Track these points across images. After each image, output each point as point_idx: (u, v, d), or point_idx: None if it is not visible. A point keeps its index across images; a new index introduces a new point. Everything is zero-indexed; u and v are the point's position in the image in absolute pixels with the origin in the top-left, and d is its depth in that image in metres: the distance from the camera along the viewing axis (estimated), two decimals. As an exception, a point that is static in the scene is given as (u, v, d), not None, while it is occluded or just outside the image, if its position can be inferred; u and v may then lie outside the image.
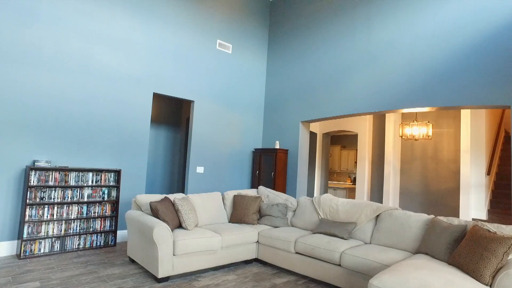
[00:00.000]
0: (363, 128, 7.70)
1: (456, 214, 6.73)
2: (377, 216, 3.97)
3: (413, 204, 7.37)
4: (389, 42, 5.33)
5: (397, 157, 7.55)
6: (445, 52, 4.72)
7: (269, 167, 6.54)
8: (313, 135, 8.61)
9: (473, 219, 6.28)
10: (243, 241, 4.26)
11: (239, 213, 4.80)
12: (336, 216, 4.26)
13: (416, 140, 5.97)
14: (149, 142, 7.15)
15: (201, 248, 3.80)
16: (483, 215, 6.26)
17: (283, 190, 6.52)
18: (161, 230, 3.51)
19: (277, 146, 6.61)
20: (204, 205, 4.69)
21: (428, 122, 5.93)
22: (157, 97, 7.37)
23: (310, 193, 8.50)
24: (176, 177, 7.51)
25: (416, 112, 6.83)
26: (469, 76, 4.47)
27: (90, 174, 4.77)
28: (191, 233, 3.84)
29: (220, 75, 6.63)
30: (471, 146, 6.26)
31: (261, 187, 5.42)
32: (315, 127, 8.52)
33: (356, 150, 10.04)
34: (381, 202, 7.34)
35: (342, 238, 3.88)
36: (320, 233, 4.11)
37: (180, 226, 4.08)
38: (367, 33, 5.63)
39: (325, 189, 8.58)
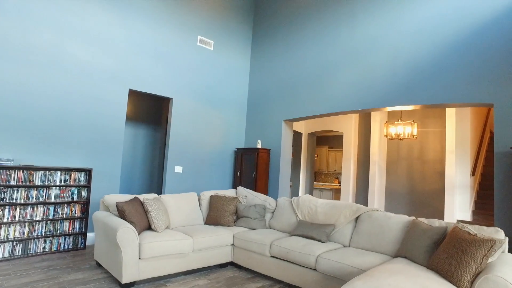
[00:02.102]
0: (349, 127, 7.56)
1: (441, 215, 6.62)
2: (357, 217, 3.80)
3: (398, 205, 7.24)
4: (373, 39, 5.19)
5: (383, 158, 7.42)
6: (429, 49, 4.59)
7: (251, 167, 6.35)
8: (298, 135, 8.44)
9: (458, 220, 6.17)
10: (217, 243, 4.05)
11: (215, 215, 4.59)
12: (314, 218, 4.08)
13: (401, 139, 5.84)
14: (127, 141, 6.89)
15: (170, 251, 3.58)
16: (468, 216, 6.15)
17: (265, 191, 6.33)
18: (125, 232, 3.28)
19: (259, 146, 6.41)
20: (178, 206, 4.47)
21: (413, 121, 5.80)
22: (136, 95, 7.12)
23: (294, 195, 8.33)
24: (155, 177, 7.27)
25: (401, 111, 6.70)
26: (453, 74, 4.34)
27: (58, 173, 4.51)
28: (160, 235, 3.62)
29: (201, 72, 6.42)
30: (456, 146, 6.15)
31: (239, 188, 5.22)
32: (300, 127, 8.35)
33: (343, 150, 9.90)
34: (366, 203, 7.20)
35: (319, 241, 3.69)
36: (298, 235, 3.93)
37: (149, 228, 3.85)
38: (351, 30, 5.48)
39: (310, 190, 8.41)
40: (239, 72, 7.10)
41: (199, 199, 4.88)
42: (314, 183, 11.86)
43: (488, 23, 4.10)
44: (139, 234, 3.58)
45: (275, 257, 3.71)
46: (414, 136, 5.81)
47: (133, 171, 7.01)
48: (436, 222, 3.17)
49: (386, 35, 5.04)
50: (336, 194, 9.77)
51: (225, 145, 6.82)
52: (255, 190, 6.16)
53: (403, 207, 7.15)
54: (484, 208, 6.24)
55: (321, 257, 3.25)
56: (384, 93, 4.96)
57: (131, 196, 4.11)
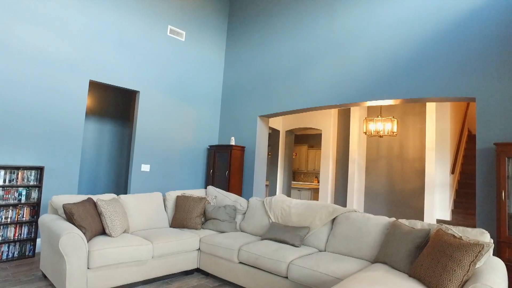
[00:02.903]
0: (327, 124, 7.30)
1: (421, 215, 6.45)
2: (334, 219, 3.49)
3: (378, 205, 7.04)
4: (352, 31, 4.92)
5: (362, 156, 7.20)
6: (409, 41, 4.35)
7: (224, 165, 5.98)
8: (275, 133, 8.13)
9: (438, 220, 6.01)
10: (181, 249, 3.67)
11: (181, 217, 4.21)
12: (288, 220, 3.75)
13: (380, 137, 5.61)
14: (91, 137, 6.39)
15: (125, 259, 3.18)
16: (447, 216, 6.00)
17: (239, 191, 5.98)
18: (70, 238, 2.86)
19: (232, 143, 6.06)
20: (140, 207, 4.06)
21: (393, 117, 5.58)
22: (102, 88, 6.63)
23: (272, 195, 8.01)
24: (123, 176, 6.79)
25: (380, 107, 6.50)
26: (433, 67, 4.11)
27: (2, 172, 4.01)
28: (115, 241, 3.21)
29: (171, 64, 6.00)
30: (436, 143, 5.99)
31: (209, 187, 4.85)
32: (277, 124, 8.05)
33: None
34: (345, 203, 6.96)
35: (293, 245, 3.37)
36: (269, 239, 3.59)
37: (104, 232, 3.43)
38: (330, 21, 5.20)
39: (288, 190, 8.12)
40: (213, 65, 6.72)
41: (164, 200, 4.49)
42: (293, 182, 11.60)
43: (469, 14, 3.90)
44: (89, 240, 3.15)
45: (243, 264, 3.37)
46: (394, 133, 5.60)
47: (98, 170, 6.51)
48: (418, 224, 2.91)
49: (365, 27, 4.78)
50: (315, 193, 9.52)
51: (197, 142, 6.43)
52: (228, 190, 5.80)
53: (382, 207, 6.96)
54: (463, 207, 6.11)
55: (293, 263, 2.93)
56: (363, 87, 4.70)
57: (84, 197, 3.67)
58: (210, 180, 6.25)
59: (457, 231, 2.66)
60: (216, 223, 4.15)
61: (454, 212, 6.13)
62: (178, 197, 4.41)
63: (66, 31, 4.72)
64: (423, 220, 6.32)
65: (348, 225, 3.27)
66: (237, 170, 5.97)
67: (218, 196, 4.62)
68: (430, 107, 6.00)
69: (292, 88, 5.53)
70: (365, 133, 5.75)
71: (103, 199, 3.64)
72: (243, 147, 6.07)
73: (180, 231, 3.93)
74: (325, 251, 3.36)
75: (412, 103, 6.76)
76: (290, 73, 5.60)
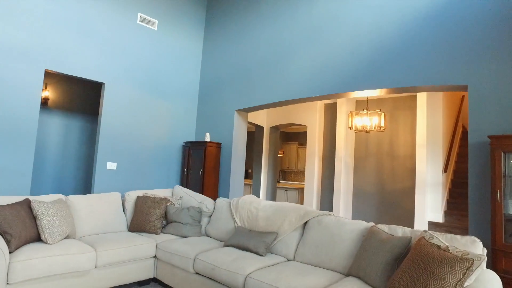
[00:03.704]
0: (313, 120, 6.86)
1: (412, 217, 6.02)
2: (306, 223, 3.04)
3: (367, 206, 6.61)
4: (333, 15, 4.48)
5: (350, 153, 6.76)
6: (395, 25, 3.91)
7: (198, 163, 5.52)
8: (259, 129, 7.68)
9: (429, 222, 5.58)
10: (133, 256, 3.22)
11: (140, 219, 3.76)
12: (254, 224, 3.30)
13: (367, 132, 5.17)
14: (56, 133, 5.92)
15: (59, 270, 2.72)
16: (440, 217, 5.57)
17: (214, 192, 5.52)
18: (-17, 248, 2.40)
19: (207, 139, 5.60)
20: (92, 209, 3.60)
21: (380, 111, 5.14)
22: (68, 80, 6.15)
23: (255, 195, 7.56)
24: (91, 175, 6.32)
25: (367, 100, 6.05)
26: (422, 53, 3.67)
27: None
28: (49, 248, 2.75)
29: (141, 55, 5.53)
30: (427, 140, 5.56)
31: (176, 187, 4.40)
32: (261, 120, 7.60)
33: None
34: (332, 204, 6.51)
35: (256, 253, 2.92)
36: (232, 246, 3.14)
37: (40, 239, 2.97)
38: (310, 5, 4.75)
39: (273, 190, 7.67)
40: (190, 57, 6.25)
41: (123, 201, 4.03)
42: (282, 182, 11.15)
43: (463, -9, 3.46)
44: (16, 248, 2.69)
45: (200, 274, 2.92)
46: (382, 128, 5.16)
47: (65, 169, 6.04)
48: (399, 231, 2.46)
49: (348, 9, 4.34)
50: (303, 193, 9.06)
51: (172, 138, 5.96)
52: (202, 190, 5.34)
53: (371, 208, 6.52)
54: (457, 208, 5.68)
55: (251, 277, 2.47)
56: (346, 76, 4.26)
57: (20, 198, 3.20)
58: (185, 179, 5.79)
59: (444, 239, 2.21)
60: (178, 226, 3.69)
61: (447, 213, 5.69)
62: (138, 198, 3.96)
63: (15, 14, 4.25)
64: (413, 222, 5.90)
65: (320, 230, 2.82)
66: (213, 168, 5.52)
67: (184, 196, 4.17)
68: (421, 100, 5.57)
69: (270, 80, 5.08)
70: (350, 128, 5.31)
71: (43, 200, 3.18)
72: (219, 144, 5.62)
73: (136, 236, 3.48)
74: (293, 260, 2.91)
75: (401, 95, 6.33)
76: (268, 64, 5.15)
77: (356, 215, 6.73)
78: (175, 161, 5.99)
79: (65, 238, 3.14)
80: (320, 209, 6.89)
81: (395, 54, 3.87)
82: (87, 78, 4.91)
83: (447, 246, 1.96)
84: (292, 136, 11.63)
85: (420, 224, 5.44)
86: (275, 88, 5.00)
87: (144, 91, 5.56)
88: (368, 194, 6.62)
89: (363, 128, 5.17)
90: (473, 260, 1.71)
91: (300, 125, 7.23)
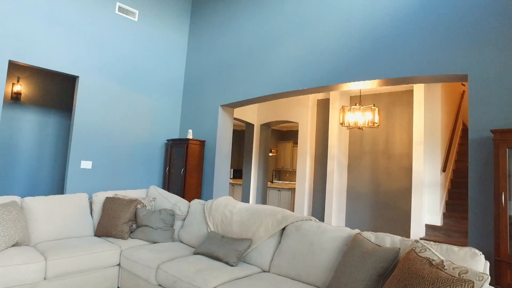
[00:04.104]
0: (305, 116, 6.50)
1: (409, 219, 5.66)
2: (284, 229, 2.69)
3: (361, 207, 6.25)
4: (322, 2, 4.12)
5: (344, 152, 6.41)
6: (388, 10, 3.56)
7: (180, 162, 5.17)
8: (249, 127, 7.33)
9: (427, 225, 5.22)
10: (92, 265, 2.88)
11: (107, 223, 3.41)
12: (228, 229, 2.95)
13: (360, 128, 4.81)
14: (29, 131, 5.57)
15: (-2, 285, 2.37)
16: (438, 220, 5.21)
17: (197, 192, 5.17)
18: None
19: (190, 136, 5.25)
20: (52, 212, 3.26)
21: (374, 105, 4.78)
22: (43, 74, 5.81)
23: (245, 196, 7.22)
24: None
25: (360, 95, 5.69)
26: (418, 40, 3.32)
27: None
28: (-12, 260, 2.40)
29: (120, 47, 5.17)
30: (425, 137, 5.20)
31: (151, 187, 4.06)
32: (251, 117, 7.24)
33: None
34: (324, 205, 6.14)
35: (227, 263, 2.57)
36: (202, 254, 2.79)
37: (-17, 247, 2.62)
38: (298, -9, 4.40)
39: (263, 190, 7.32)
40: (174, 50, 5.90)
41: (91, 203, 3.68)
42: (278, 182, 10.80)
43: (462, -29, 3.10)
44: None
45: (162, 287, 2.57)
46: (376, 124, 4.80)
47: (40, 168, 5.70)
48: (387, 240, 2.11)
49: (338, -6, 3.99)
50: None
51: (154, 136, 5.61)
52: (183, 191, 4.99)
53: (366, 210, 6.17)
54: (456, 210, 5.32)
55: (214, 294, 2.13)
56: (337, 67, 3.91)
57: (-36, 201, 2.86)
58: (167, 179, 5.44)
59: (439, 251, 1.86)
60: (147, 231, 3.35)
61: (446, 215, 5.34)
62: (106, 199, 3.61)
63: (-25, -1, 3.91)
64: (410, 225, 5.54)
65: (298, 238, 2.47)
66: (195, 167, 5.17)
67: (157, 198, 3.82)
68: (418, 94, 5.21)
69: (256, 73, 4.73)
70: (342, 124, 4.95)
71: (-10, 203, 2.83)
72: (203, 142, 5.26)
73: (100, 242, 3.14)
74: (269, 271, 2.56)
75: (398, 90, 5.97)
76: (254, 56, 4.80)
77: (349, 217, 6.38)
78: (157, 160, 5.65)
79: (12, 246, 2.79)
80: (312, 211, 6.54)
81: (389, 42, 3.52)
82: (59, 70, 4.56)
83: (442, 261, 1.61)
84: (287, 135, 11.28)
85: (417, 227, 5.09)
86: (261, 82, 4.65)
87: (124, 85, 5.21)
88: (362, 195, 6.27)
89: (356, 125, 4.81)
90: (473, 282, 1.36)
91: (293, 122, 6.87)
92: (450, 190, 5.64)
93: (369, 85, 3.80)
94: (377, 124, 4.80)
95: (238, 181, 9.22)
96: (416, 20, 3.36)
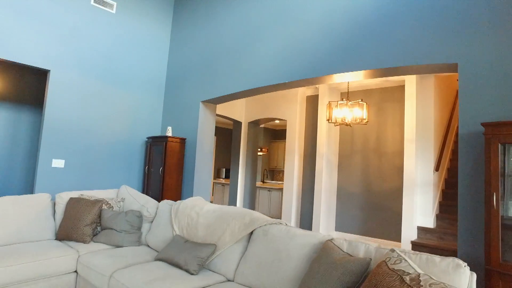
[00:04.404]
0: (293, 114, 6.23)
1: (401, 221, 5.39)
2: (252, 233, 2.43)
3: (351, 208, 5.98)
4: (305, -12, 3.86)
5: (334, 150, 6.14)
6: (375, -5, 3.29)
7: (159, 161, 4.91)
8: (237, 124, 7.06)
9: (419, 228, 4.95)
10: (44, 273, 2.62)
11: (69, 225, 3.15)
12: (193, 233, 2.68)
13: (347, 125, 4.54)
14: (1, 129, 5.30)
15: None
16: (431, 222, 4.95)
17: (177, 193, 4.91)
18: None
19: (169, 133, 4.98)
20: (3, 214, 2.99)
21: (362, 100, 4.50)
22: (16, 69, 5.53)
23: (232, 196, 6.95)
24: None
25: (348, 89, 5.41)
26: (407, 28, 3.06)
27: None
28: None
29: (97, 40, 4.90)
30: (416, 134, 4.93)
31: (123, 187, 3.79)
32: (239, 115, 6.97)
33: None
34: (312, 206, 5.87)
35: (187, 271, 2.30)
36: (162, 260, 2.53)
37: None
38: (281, -21, 4.13)
39: (252, 190, 7.05)
40: (157, 44, 5.63)
41: (54, 204, 3.42)
42: (270, 182, 10.53)
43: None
44: None
45: (115, 300, 2.30)
46: (365, 121, 4.53)
47: (12, 169, 5.42)
48: (360, 248, 1.84)
49: (322, -19, 3.72)
50: (288, 194, 8.43)
51: (134, 134, 5.34)
52: (162, 191, 4.73)
53: (357, 211, 5.90)
54: (450, 211, 5.05)
55: (163, 309, 1.86)
56: (321, 59, 3.64)
57: None
58: (147, 178, 5.18)
59: (418, 262, 1.60)
60: (111, 234, 3.08)
61: (439, 217, 5.07)
62: (70, 200, 3.34)
63: None
64: (400, 228, 5.28)
65: (265, 244, 2.21)
66: (175, 166, 4.90)
67: (126, 198, 3.55)
68: (410, 89, 4.95)
69: (237, 67, 4.47)
70: (329, 120, 4.68)
71: None
72: (183, 139, 5.00)
73: (58, 246, 2.89)
74: (233, 280, 2.29)
75: (389, 86, 5.69)
76: (235, 50, 4.54)
77: (340, 219, 6.12)
78: (138, 159, 5.38)
79: (-47, 252, 2.53)
80: (301, 213, 6.27)
81: (375, 31, 3.26)
82: (28, 64, 4.30)
83: (418, 276, 1.35)
84: (280, 134, 11.01)
85: (408, 229, 4.82)
86: (243, 76, 4.39)
87: (102, 81, 4.94)
88: (353, 196, 6.00)
89: (343, 121, 4.54)
90: (450, 305, 1.09)
91: (283, 120, 6.61)
92: (444, 190, 5.38)
93: (355, 77, 3.54)
94: (366, 121, 4.53)
95: (229, 182, 8.95)
96: (403, 7, 3.10)
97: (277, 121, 8.63)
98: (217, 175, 12.21)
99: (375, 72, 3.30)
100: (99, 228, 3.26)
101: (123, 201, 3.55)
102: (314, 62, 3.69)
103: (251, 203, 7.10)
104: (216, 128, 12.22)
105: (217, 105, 6.61)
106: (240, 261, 2.31)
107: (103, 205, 3.32)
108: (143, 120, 5.46)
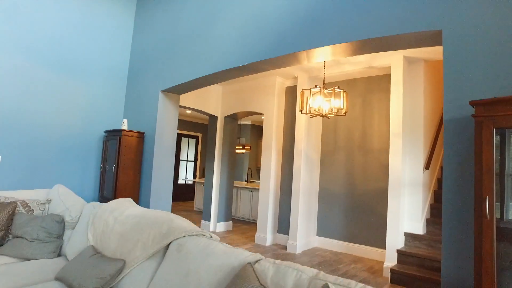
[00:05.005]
0: (270, 106, 5.66)
1: (386, 225, 4.82)
2: (168, 247, 1.86)
3: (334, 211, 5.42)
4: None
5: (315, 146, 5.58)
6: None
7: (114, 157, 4.35)
8: (213, 120, 6.49)
9: (406, 234, 4.38)
10: None
11: (-29, 234, 2.58)
12: (106, 244, 2.12)
13: (323, 116, 3.97)
14: None
15: None
16: (420, 228, 4.38)
17: (134, 193, 4.35)
18: None
19: (124, 127, 4.43)
20: None
21: (338, 87, 3.92)
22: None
23: (207, 197, 6.37)
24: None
25: (324, 74, 4.83)
26: (383, -5, 2.50)
27: None
28: None
29: (46, 24, 4.34)
30: (404, 128, 4.36)
31: (56, 186, 3.24)
32: (215, 109, 6.40)
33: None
34: (289, 208, 5.29)
35: (79, 298, 1.74)
36: (60, 280, 1.97)
37: None
38: None
39: (228, 191, 6.48)
40: (119, 31, 5.06)
41: (-36, 207, 2.85)
42: (256, 181, 9.96)
43: None
44: None
45: (-17, 336, 1.74)
46: (343, 111, 3.95)
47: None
48: (289, 278, 1.28)
49: None
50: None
51: (92, 127, 4.78)
52: (115, 191, 4.17)
53: (340, 214, 5.33)
54: (441, 215, 4.48)
55: None
56: (286, 34, 3.08)
57: None
58: (102, 176, 4.62)
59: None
60: (19, 244, 2.52)
61: (430, 222, 4.50)
62: (-18, 202, 2.78)
63: None
64: (385, 235, 4.71)
65: (176, 263, 1.64)
66: (132, 163, 4.34)
67: (54, 199, 2.99)
68: (396, 76, 4.38)
69: (198, 52, 3.91)
70: (301, 111, 4.12)
71: None
72: (141, 133, 4.44)
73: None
74: (139, 312, 1.73)
75: (374, 73, 5.10)
76: (195, 34, 3.99)
77: (321, 223, 5.55)
78: (94, 155, 4.82)
79: None
80: (279, 215, 5.70)
81: (346, -1, 2.70)
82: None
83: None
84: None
85: (394, 236, 4.25)
86: (203, 61, 3.83)
87: (53, 69, 4.38)
88: (336, 197, 5.43)
89: (318, 111, 3.96)
90: None
91: (259, 113, 6.04)
92: (437, 191, 4.81)
93: (327, 55, 2.98)
94: (344, 111, 3.96)
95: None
96: (379, -32, 2.54)
97: (263, 118, 8.06)
98: (202, 174, 11.63)
99: (348, 46, 2.73)
100: (10, 237, 2.70)
101: (49, 203, 2.99)
102: (279, 39, 3.13)
103: (228, 205, 6.53)
104: (200, 124, 11.66)
105: (197, 100, 6.06)
106: (150, 284, 1.75)
107: (17, 208, 2.76)
108: (103, 112, 4.90)
